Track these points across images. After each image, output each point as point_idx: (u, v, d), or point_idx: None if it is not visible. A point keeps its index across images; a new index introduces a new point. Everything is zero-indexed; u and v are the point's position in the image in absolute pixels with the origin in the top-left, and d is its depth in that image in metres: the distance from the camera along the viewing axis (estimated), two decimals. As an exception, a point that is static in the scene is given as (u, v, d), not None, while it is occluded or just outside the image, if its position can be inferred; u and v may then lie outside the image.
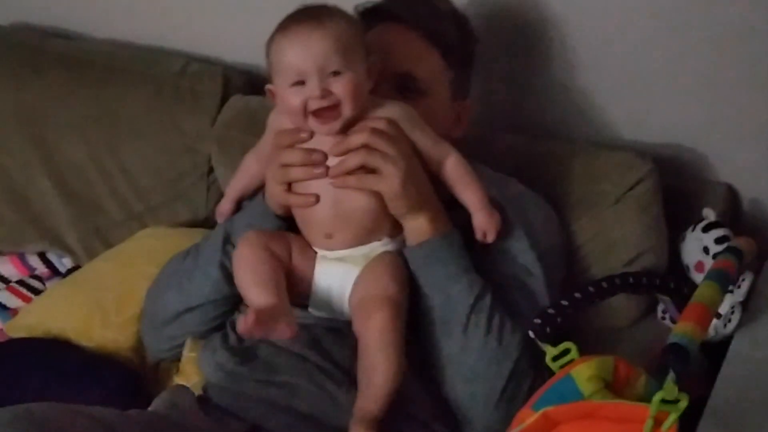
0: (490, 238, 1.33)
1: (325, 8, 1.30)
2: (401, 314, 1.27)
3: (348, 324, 1.31)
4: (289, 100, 1.28)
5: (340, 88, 1.26)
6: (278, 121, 1.36)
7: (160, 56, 1.89)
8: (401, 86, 1.38)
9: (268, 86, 1.34)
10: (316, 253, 1.34)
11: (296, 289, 1.33)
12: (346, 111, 1.27)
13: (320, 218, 1.32)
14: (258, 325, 1.20)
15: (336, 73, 1.26)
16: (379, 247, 1.33)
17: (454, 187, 1.33)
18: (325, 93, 1.26)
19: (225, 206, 1.48)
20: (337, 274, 1.33)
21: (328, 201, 1.31)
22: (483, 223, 1.32)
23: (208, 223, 1.75)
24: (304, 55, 1.25)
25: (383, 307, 1.25)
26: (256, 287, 1.28)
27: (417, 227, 1.31)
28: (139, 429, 1.23)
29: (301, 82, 1.26)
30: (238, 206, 1.47)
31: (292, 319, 1.25)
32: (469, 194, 1.32)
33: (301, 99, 1.26)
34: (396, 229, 1.34)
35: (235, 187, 1.47)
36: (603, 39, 1.64)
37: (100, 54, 1.90)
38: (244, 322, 1.20)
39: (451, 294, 1.31)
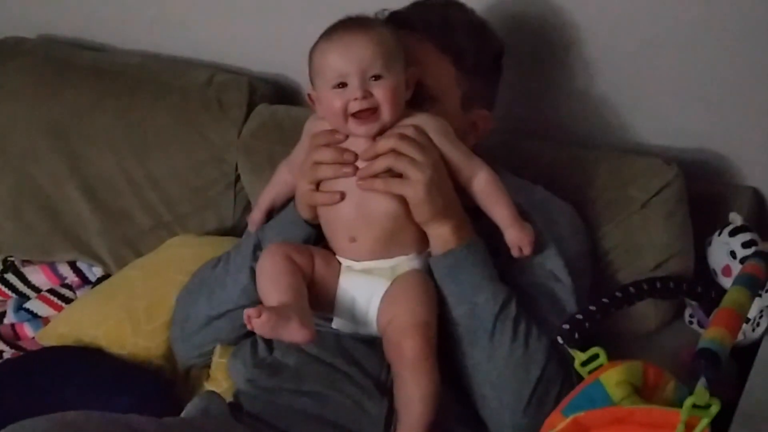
0: (527, 252, 1.32)
1: (369, 18, 1.34)
2: (432, 338, 1.27)
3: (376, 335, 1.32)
4: (330, 101, 1.29)
5: (380, 91, 1.27)
6: (315, 126, 1.37)
7: (186, 67, 1.90)
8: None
9: (308, 92, 1.35)
10: (340, 264, 1.35)
11: (320, 300, 1.33)
12: (385, 115, 1.29)
13: (344, 219, 1.32)
14: (266, 321, 1.18)
15: (377, 78, 1.27)
16: (405, 261, 1.33)
17: (483, 203, 1.33)
18: (366, 94, 1.27)
19: (257, 215, 1.48)
20: (363, 286, 1.32)
21: (353, 202, 1.31)
22: (517, 239, 1.31)
23: (236, 231, 1.76)
24: (346, 57, 1.27)
25: (414, 334, 1.25)
26: (276, 292, 1.27)
27: (441, 236, 1.32)
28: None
29: (342, 84, 1.28)
30: (270, 215, 1.47)
31: (309, 321, 1.23)
32: (499, 210, 1.32)
33: (343, 101, 1.28)
34: (423, 243, 1.34)
35: (266, 196, 1.48)
36: (626, 45, 1.64)
37: (128, 66, 1.91)
38: (248, 315, 1.18)
39: (476, 303, 1.31)
